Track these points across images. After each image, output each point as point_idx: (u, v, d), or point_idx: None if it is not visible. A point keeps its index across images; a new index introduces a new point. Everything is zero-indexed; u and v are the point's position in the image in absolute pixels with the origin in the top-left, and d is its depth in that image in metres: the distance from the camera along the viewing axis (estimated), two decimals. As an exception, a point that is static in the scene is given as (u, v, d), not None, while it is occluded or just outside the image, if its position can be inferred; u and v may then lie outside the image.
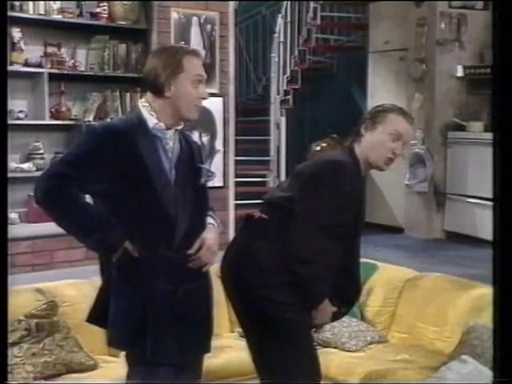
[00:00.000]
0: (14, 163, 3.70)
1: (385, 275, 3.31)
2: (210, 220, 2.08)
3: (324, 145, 9.29)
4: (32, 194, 4.06)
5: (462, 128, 6.39)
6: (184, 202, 1.96)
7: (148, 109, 1.96)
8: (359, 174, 2.21)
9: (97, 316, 2.02)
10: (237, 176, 4.39)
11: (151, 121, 1.96)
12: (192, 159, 2.04)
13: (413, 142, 6.13)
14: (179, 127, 2.01)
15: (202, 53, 2.05)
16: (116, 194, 1.91)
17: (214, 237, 2.02)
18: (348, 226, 2.16)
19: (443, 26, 6.41)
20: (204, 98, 2.00)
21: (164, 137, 1.97)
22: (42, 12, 3.68)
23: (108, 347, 2.21)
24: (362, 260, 2.41)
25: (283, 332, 2.11)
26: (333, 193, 2.10)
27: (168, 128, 1.97)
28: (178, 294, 1.93)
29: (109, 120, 2.23)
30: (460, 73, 6.43)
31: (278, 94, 7.03)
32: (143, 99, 2.01)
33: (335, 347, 2.97)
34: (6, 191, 1.70)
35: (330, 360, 2.81)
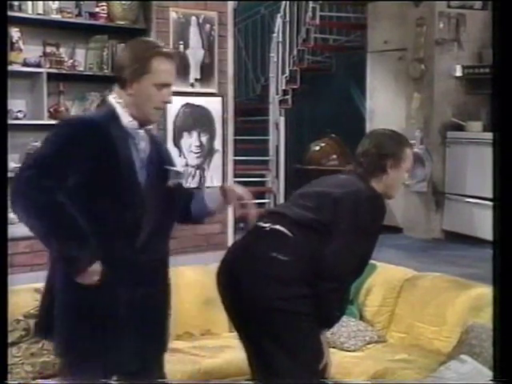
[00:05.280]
0: (12, 163, 3.69)
1: (383, 275, 3.32)
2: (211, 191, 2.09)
3: (323, 144, 9.34)
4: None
5: (460, 128, 6.39)
6: (151, 204, 1.90)
7: (122, 105, 1.91)
8: None
9: (46, 328, 1.91)
10: (236, 176, 4.39)
11: (125, 118, 1.91)
12: (161, 161, 1.98)
13: (411, 141, 6.13)
14: (149, 127, 1.97)
15: (174, 53, 1.97)
16: (85, 190, 1.83)
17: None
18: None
19: (442, 25, 6.41)
20: (167, 103, 1.95)
21: (137, 136, 1.92)
22: (40, 12, 3.68)
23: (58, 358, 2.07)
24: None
25: (297, 339, 2.13)
26: (374, 224, 2.18)
27: (140, 126, 1.92)
28: (137, 298, 1.88)
29: (83, 114, 2.12)
30: (459, 72, 6.43)
31: (277, 93, 7.03)
32: (114, 93, 1.94)
33: (334, 347, 2.96)
34: (5, 191, 1.70)
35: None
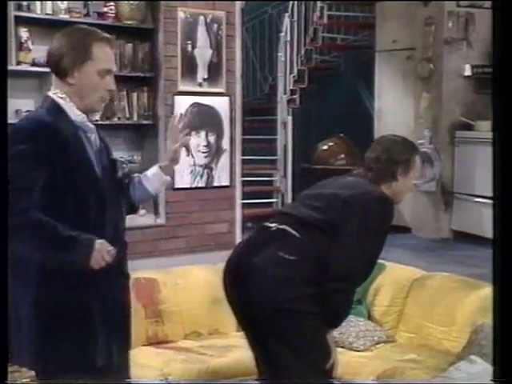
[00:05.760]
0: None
1: (392, 275, 3.31)
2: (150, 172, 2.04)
3: (331, 144, 9.33)
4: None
5: (469, 127, 6.36)
6: (110, 198, 1.88)
7: (66, 100, 1.85)
8: None
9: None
10: (243, 175, 4.39)
11: (73, 113, 1.85)
12: (107, 151, 1.94)
13: (420, 141, 6.11)
14: (94, 118, 1.92)
15: (113, 40, 1.94)
16: (50, 194, 1.78)
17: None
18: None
19: (451, 25, 6.38)
20: (111, 90, 1.89)
21: (88, 129, 1.87)
22: (49, 12, 3.68)
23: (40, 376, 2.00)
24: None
25: (303, 339, 2.12)
26: (383, 226, 2.19)
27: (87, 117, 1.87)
28: (109, 296, 1.87)
29: (31, 116, 2.03)
30: (468, 72, 6.40)
31: (285, 93, 7.02)
32: (54, 89, 1.88)
33: (342, 347, 2.96)
34: (6, 191, 1.67)
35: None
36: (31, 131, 1.82)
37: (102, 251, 1.78)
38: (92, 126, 1.90)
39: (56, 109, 1.85)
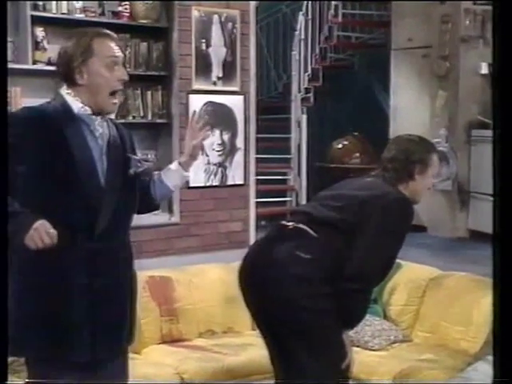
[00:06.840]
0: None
1: (408, 274, 3.28)
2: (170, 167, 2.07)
3: (345, 142, 9.29)
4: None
5: (486, 126, 6.29)
6: (111, 192, 1.87)
7: (71, 94, 1.88)
8: None
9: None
10: (257, 174, 4.38)
11: (76, 105, 1.87)
12: (123, 148, 1.95)
13: (436, 140, 6.05)
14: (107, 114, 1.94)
15: (115, 35, 1.97)
16: (40, 179, 1.80)
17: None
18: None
19: (467, 22, 6.31)
20: (123, 80, 1.90)
21: (92, 122, 1.88)
22: (64, 11, 3.70)
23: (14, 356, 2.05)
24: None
25: (319, 337, 2.12)
26: (402, 227, 2.19)
27: (94, 114, 1.88)
28: (96, 288, 1.84)
29: (28, 106, 2.09)
30: (484, 70, 6.33)
31: (299, 91, 7.00)
32: (64, 87, 1.91)
33: (358, 346, 2.94)
34: (6, 191, 1.65)
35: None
36: (17, 118, 1.81)
37: (41, 231, 1.72)
38: (100, 120, 1.90)
39: (60, 102, 1.89)
